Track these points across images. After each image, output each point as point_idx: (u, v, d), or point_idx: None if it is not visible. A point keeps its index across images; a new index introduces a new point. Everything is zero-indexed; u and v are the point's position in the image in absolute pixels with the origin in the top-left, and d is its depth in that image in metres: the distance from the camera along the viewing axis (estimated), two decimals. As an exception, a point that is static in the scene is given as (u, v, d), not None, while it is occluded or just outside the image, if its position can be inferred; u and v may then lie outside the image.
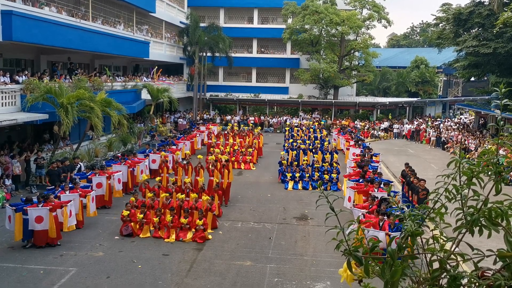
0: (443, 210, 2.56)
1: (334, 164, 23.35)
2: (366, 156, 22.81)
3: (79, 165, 20.01)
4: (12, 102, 20.07)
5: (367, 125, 41.70)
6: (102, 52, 28.43)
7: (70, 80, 24.14)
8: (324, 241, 14.36)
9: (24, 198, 14.32)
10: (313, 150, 26.86)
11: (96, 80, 25.98)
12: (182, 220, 14.70)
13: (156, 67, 36.70)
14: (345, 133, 33.54)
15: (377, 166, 21.15)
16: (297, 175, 21.98)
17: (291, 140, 28.59)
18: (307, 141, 29.59)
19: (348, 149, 27.13)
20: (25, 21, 20.16)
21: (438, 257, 2.45)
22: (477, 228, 2.44)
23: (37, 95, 19.77)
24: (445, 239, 2.56)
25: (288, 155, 25.87)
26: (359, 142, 27.94)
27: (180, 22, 43.73)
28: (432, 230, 2.66)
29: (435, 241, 2.53)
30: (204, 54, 42.68)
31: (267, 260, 13.13)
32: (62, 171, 18.72)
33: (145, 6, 34.65)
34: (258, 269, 12.54)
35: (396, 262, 2.35)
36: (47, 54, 26.22)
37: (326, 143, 28.35)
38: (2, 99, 19.49)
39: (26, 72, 22.47)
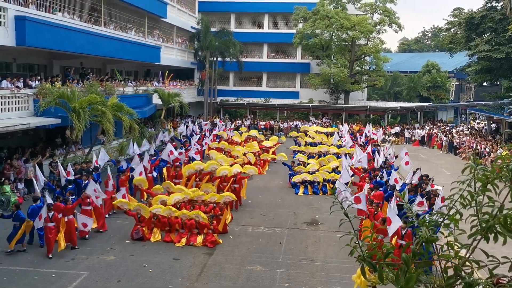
0: (458, 216, 2.54)
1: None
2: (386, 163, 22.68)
3: (90, 170, 20.10)
4: (25, 106, 20.28)
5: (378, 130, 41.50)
6: (114, 57, 28.66)
7: (82, 84, 24.35)
8: (335, 246, 14.30)
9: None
10: (324, 154, 26.79)
11: (107, 85, 26.18)
12: (202, 215, 14.74)
13: (167, 71, 36.91)
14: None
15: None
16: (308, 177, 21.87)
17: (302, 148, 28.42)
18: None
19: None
20: (38, 26, 20.38)
21: (453, 264, 2.44)
22: (492, 234, 2.42)
23: (50, 100, 19.95)
24: (459, 245, 2.54)
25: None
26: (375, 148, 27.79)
27: (191, 27, 43.97)
28: (446, 237, 2.64)
29: (449, 248, 2.51)
30: (215, 59, 42.83)
31: (278, 265, 13.10)
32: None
33: (157, 12, 34.91)
34: (268, 274, 12.52)
35: (410, 268, 2.34)
36: (59, 59, 26.48)
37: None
38: (15, 104, 19.71)
39: (39, 77, 22.71)
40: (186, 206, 16.17)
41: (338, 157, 25.41)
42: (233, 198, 16.91)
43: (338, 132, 33.71)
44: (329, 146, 28.50)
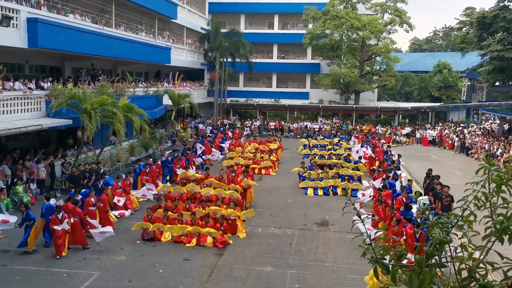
0: (472, 218, 2.52)
1: (356, 172, 23.17)
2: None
3: (102, 170, 20.25)
4: (37, 108, 20.50)
5: (388, 131, 41.28)
6: (125, 58, 28.84)
7: (94, 86, 24.54)
8: (346, 247, 14.25)
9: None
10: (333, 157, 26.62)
11: (118, 86, 26.36)
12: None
13: (178, 72, 37.05)
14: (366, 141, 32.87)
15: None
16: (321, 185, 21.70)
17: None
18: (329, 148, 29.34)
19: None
20: (51, 28, 20.57)
21: (467, 266, 2.41)
22: (507, 236, 2.39)
23: (62, 101, 20.14)
24: (473, 247, 2.52)
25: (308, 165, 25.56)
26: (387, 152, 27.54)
27: (201, 28, 44.10)
28: (460, 238, 2.61)
29: (463, 250, 2.49)
30: (225, 60, 42.92)
31: (288, 266, 13.08)
32: (83, 176, 18.92)
33: (167, 13, 35.08)
34: (278, 275, 12.50)
35: (424, 270, 2.32)
36: (71, 61, 26.71)
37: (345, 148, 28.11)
38: (27, 105, 19.93)
39: (51, 79, 22.91)
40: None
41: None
42: (252, 214, 16.66)
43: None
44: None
